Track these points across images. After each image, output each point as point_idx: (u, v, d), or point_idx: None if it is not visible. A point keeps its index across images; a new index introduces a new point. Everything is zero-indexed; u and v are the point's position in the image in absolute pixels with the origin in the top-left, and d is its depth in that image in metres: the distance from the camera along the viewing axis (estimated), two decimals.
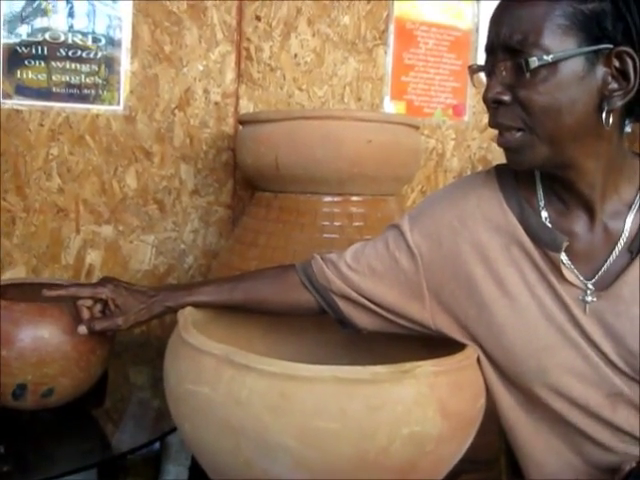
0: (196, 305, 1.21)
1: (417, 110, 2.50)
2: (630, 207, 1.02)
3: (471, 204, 1.11)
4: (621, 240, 1.02)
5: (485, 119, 2.58)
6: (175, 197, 2.19)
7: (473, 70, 1.05)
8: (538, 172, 1.08)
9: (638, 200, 1.02)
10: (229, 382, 0.95)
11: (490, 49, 0.99)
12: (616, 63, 0.93)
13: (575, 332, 1.02)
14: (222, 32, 2.16)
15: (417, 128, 1.88)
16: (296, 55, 2.28)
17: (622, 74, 0.94)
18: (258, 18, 2.21)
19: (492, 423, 1.13)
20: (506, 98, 0.96)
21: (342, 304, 1.17)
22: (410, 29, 2.47)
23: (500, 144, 1.01)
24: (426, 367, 0.97)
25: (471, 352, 1.07)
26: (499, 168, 1.13)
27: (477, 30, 2.59)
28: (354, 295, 1.15)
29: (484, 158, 2.63)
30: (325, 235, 1.68)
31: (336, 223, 1.70)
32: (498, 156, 2.61)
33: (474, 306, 1.09)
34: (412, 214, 1.17)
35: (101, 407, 1.46)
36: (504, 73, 0.96)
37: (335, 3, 2.31)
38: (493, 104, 0.98)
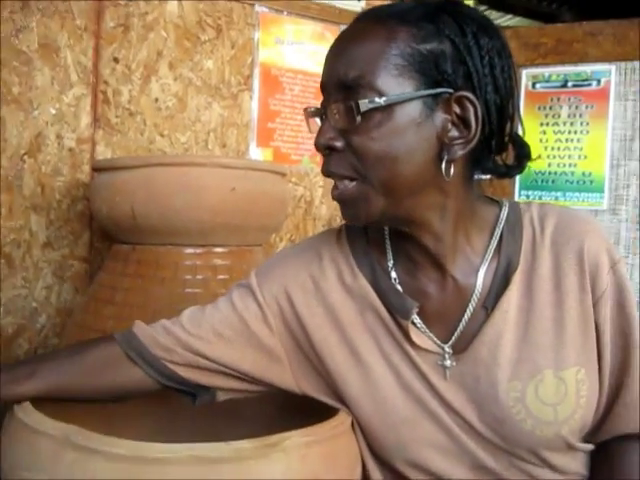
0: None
1: (284, 157, 2.45)
2: (482, 259, 0.97)
3: (324, 265, 1.03)
4: (474, 296, 0.96)
5: None
6: (25, 250, 2.01)
7: (308, 114, 0.97)
8: (388, 230, 1.02)
9: (490, 251, 0.97)
10: (70, 467, 0.82)
11: (324, 88, 0.92)
12: (456, 109, 0.88)
13: (435, 402, 0.96)
14: (77, 74, 2.03)
15: (283, 175, 1.82)
16: (157, 99, 2.18)
17: (463, 121, 0.88)
18: (116, 60, 2.10)
19: None
20: (338, 144, 0.89)
21: (188, 374, 1.02)
22: (275, 75, 2.43)
23: (333, 196, 0.93)
24: (296, 438, 0.87)
25: (344, 417, 0.99)
26: (349, 227, 1.06)
27: None
28: (203, 362, 1.01)
29: None
30: (187, 290, 1.57)
31: (199, 276, 1.59)
32: None
33: (330, 374, 1.01)
34: (260, 271, 1.07)
35: None
36: (337, 116, 0.88)
37: (198, 47, 2.24)
38: (325, 150, 0.90)
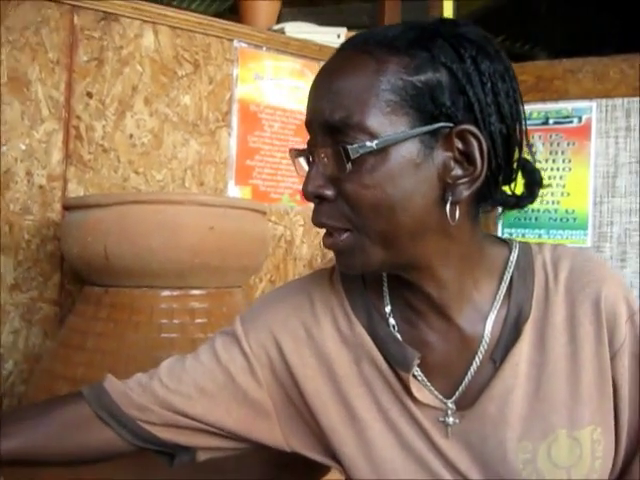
0: None
1: (263, 195, 2.38)
2: (491, 306, 0.88)
3: (316, 310, 0.94)
4: (482, 347, 0.87)
5: None
6: None
7: (294, 154, 0.88)
8: (386, 273, 0.93)
9: (499, 297, 0.88)
10: None
11: (309, 127, 0.83)
12: (459, 145, 0.79)
13: (437, 462, 0.87)
14: (48, 108, 1.96)
15: (264, 214, 1.74)
16: (132, 135, 2.10)
17: (466, 157, 0.79)
18: (90, 95, 2.02)
19: None
20: (328, 193, 0.80)
21: (165, 435, 0.92)
22: (254, 111, 2.37)
23: (327, 246, 0.84)
24: None
25: (337, 477, 0.90)
26: None
27: None
28: (183, 421, 0.92)
29: None
30: (164, 335, 1.47)
31: (176, 321, 1.50)
32: None
33: (323, 431, 0.92)
34: (246, 317, 0.97)
35: None
36: (325, 161, 0.79)
37: (175, 82, 2.17)
38: (315, 199, 0.81)
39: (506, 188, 0.89)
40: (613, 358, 0.86)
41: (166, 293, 1.53)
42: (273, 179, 2.41)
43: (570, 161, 2.76)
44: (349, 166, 0.76)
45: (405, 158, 0.77)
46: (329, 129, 0.79)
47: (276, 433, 0.95)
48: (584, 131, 2.78)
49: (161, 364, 0.96)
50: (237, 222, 1.58)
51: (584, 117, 2.79)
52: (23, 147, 1.93)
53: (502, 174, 0.84)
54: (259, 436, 0.94)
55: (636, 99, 2.83)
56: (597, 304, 0.86)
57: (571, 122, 2.79)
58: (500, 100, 0.81)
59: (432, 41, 0.79)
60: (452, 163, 0.79)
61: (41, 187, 1.96)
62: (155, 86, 2.14)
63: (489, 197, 0.86)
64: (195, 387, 0.92)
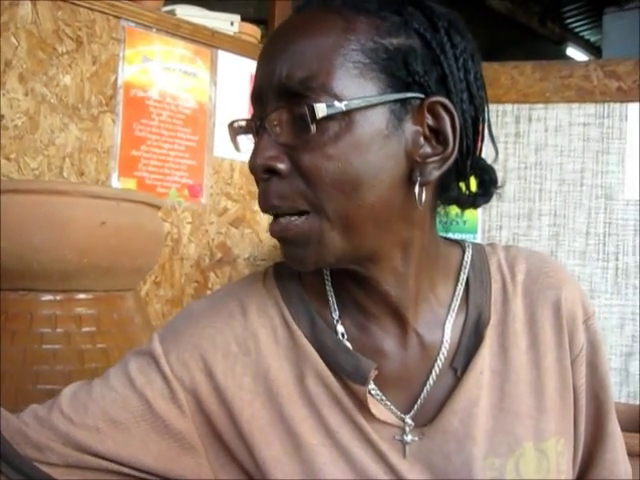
0: None
1: (149, 189, 2.19)
2: (448, 310, 0.80)
3: (250, 321, 0.81)
4: (441, 355, 0.78)
5: (223, 202, 2.34)
6: None
7: (236, 129, 0.77)
8: (328, 272, 0.82)
9: (457, 299, 0.80)
10: None
11: (259, 96, 0.72)
12: (429, 120, 0.71)
13: None
14: None
15: (158, 208, 1.57)
16: (3, 117, 1.86)
17: (436, 134, 0.71)
18: None
19: None
20: (282, 166, 0.69)
21: (69, 477, 0.76)
22: (141, 97, 2.18)
23: (274, 233, 0.72)
24: None
25: None
26: (278, 268, 0.85)
27: (214, 105, 2.37)
28: (90, 460, 0.76)
29: (223, 244, 2.37)
30: (45, 346, 1.28)
31: (59, 329, 1.31)
32: (237, 241, 2.38)
33: (259, 466, 0.77)
34: (165, 335, 0.82)
35: None
36: (278, 130, 0.69)
37: (54, 60, 1.95)
38: (264, 174, 0.70)
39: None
40: (573, 363, 0.82)
41: (48, 297, 1.33)
42: (160, 172, 2.22)
43: None
44: (314, 129, 0.66)
45: (373, 127, 0.69)
46: (286, 92, 0.69)
47: (203, 469, 0.80)
48: None
49: (62, 392, 0.79)
50: (131, 217, 1.40)
51: None
52: None
53: (470, 160, 0.76)
54: (183, 473, 0.79)
55: (526, 106, 2.86)
56: (557, 307, 0.82)
57: None
58: (470, 79, 0.74)
59: (403, 6, 0.72)
60: (422, 140, 0.71)
61: None
62: (32, 62, 1.91)
63: (449, 189, 0.79)
64: (104, 418, 0.76)
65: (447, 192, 0.79)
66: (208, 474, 0.80)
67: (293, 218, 0.70)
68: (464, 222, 2.81)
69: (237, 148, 0.78)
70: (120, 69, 2.11)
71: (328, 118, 0.66)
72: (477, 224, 2.87)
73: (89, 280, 1.36)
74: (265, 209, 0.72)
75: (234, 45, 2.43)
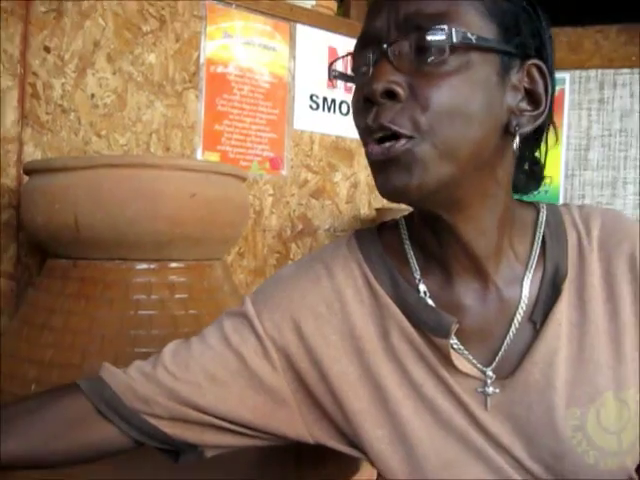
0: None
1: (232, 162, 2.23)
2: (526, 266, 0.83)
3: (337, 283, 0.85)
4: (520, 309, 0.81)
5: (303, 174, 2.38)
6: None
7: (335, 73, 0.82)
8: (406, 232, 0.85)
9: (534, 257, 0.83)
10: None
11: (371, 36, 0.75)
12: (525, 81, 0.76)
13: (480, 438, 0.79)
14: (2, 63, 1.77)
15: (244, 180, 1.62)
16: (93, 95, 1.93)
17: (530, 95, 0.76)
18: (47, 49, 1.84)
19: None
20: (401, 91, 0.71)
21: (172, 430, 0.82)
22: (223, 73, 2.22)
23: (377, 155, 0.73)
24: None
25: (369, 471, 0.81)
26: (359, 234, 0.89)
27: (293, 78, 2.40)
28: (192, 414, 0.81)
29: (304, 216, 2.41)
30: (141, 312, 1.34)
31: (154, 296, 1.36)
32: (318, 213, 2.42)
33: (349, 419, 0.82)
34: (257, 298, 0.87)
35: None
36: (399, 59, 0.72)
37: (139, 39, 2.01)
38: (382, 97, 0.71)
39: None
40: None
41: (143, 266, 1.39)
42: (242, 145, 2.27)
43: None
44: (435, 59, 0.70)
45: (486, 70, 0.73)
46: (411, 26, 0.72)
47: (297, 423, 0.84)
48: (556, 103, 2.73)
49: (163, 349, 0.85)
50: (220, 189, 1.44)
51: (557, 88, 2.74)
52: None
53: (546, 133, 0.83)
54: (279, 427, 0.84)
55: (610, 71, 2.78)
56: (633, 261, 0.83)
57: None
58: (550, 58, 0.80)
59: None
60: (519, 95, 0.76)
61: None
62: (118, 42, 1.97)
63: (525, 160, 0.84)
64: (204, 374, 0.82)
65: (521, 165, 0.84)
66: (302, 429, 0.85)
67: (398, 142, 0.72)
68: (546, 192, 2.77)
69: (333, 83, 0.87)
70: (202, 46, 2.16)
71: (449, 52, 0.70)
72: (559, 193, 2.82)
73: (180, 250, 1.42)
74: (372, 127, 0.73)
75: (312, 18, 2.45)
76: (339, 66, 0.87)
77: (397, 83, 0.71)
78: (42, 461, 0.81)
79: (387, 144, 0.72)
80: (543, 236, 0.84)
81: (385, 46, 0.73)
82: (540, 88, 0.76)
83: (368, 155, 0.75)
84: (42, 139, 1.85)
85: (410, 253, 0.85)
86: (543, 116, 0.77)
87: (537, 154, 0.86)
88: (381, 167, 0.74)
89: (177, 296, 1.39)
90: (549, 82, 0.76)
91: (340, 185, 2.49)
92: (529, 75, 0.76)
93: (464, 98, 0.71)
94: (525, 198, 0.89)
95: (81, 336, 1.31)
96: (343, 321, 0.83)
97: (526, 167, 0.86)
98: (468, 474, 0.79)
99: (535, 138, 0.83)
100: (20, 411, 0.82)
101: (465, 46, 0.71)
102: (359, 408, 0.82)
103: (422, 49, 0.71)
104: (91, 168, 1.36)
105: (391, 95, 0.71)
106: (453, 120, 0.71)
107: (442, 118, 0.71)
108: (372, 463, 0.83)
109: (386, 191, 0.75)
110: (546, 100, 0.76)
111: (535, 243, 0.84)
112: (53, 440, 0.80)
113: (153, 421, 0.81)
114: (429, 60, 0.70)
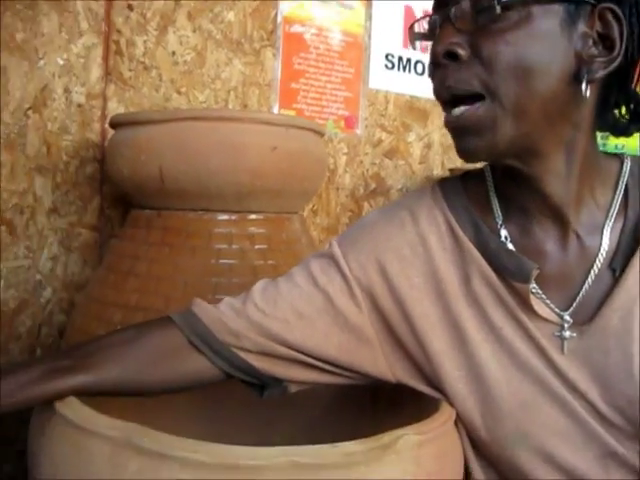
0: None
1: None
2: (607, 215, 0.83)
3: (421, 228, 0.87)
4: (600, 256, 0.82)
5: (378, 133, 2.38)
6: (29, 217, 1.80)
7: (415, 34, 0.84)
8: (491, 180, 0.86)
9: (615, 206, 0.83)
10: (135, 476, 0.65)
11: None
12: (598, 25, 0.75)
13: (556, 381, 0.80)
14: (87, 21, 1.82)
15: (322, 135, 1.63)
16: (174, 53, 1.97)
17: (603, 40, 0.75)
18: (130, 7, 1.89)
19: None
20: (462, 52, 0.74)
21: (261, 364, 0.86)
22: (299, 32, 2.23)
23: (450, 124, 0.78)
24: (409, 437, 0.71)
25: (449, 410, 0.83)
26: (443, 183, 0.91)
27: (369, 37, 2.39)
28: (280, 349, 0.85)
29: (377, 175, 2.42)
30: (222, 261, 1.38)
31: (234, 246, 1.40)
32: (391, 173, 2.42)
33: (430, 359, 0.85)
34: (343, 240, 0.90)
35: None
36: (461, 20, 0.74)
37: None
38: (444, 59, 0.75)
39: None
40: None
41: (224, 217, 1.43)
42: (318, 104, 2.29)
43: None
44: (495, 14, 0.72)
45: (549, 22, 0.73)
46: None
47: (380, 362, 0.87)
48: None
49: (252, 288, 0.89)
50: (300, 143, 1.47)
51: None
52: (61, 62, 1.80)
53: (632, 69, 0.81)
54: (362, 365, 0.87)
55: None
56: None
57: None
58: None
59: None
60: (590, 42, 0.75)
61: (80, 106, 1.84)
62: (198, 0, 2.00)
63: (609, 104, 0.83)
64: (292, 311, 0.85)
65: (605, 114, 0.83)
66: (384, 367, 0.87)
67: (467, 107, 0.75)
68: (622, 147, 2.73)
69: (413, 46, 0.88)
70: (279, 5, 2.17)
71: (510, 7, 0.72)
72: (637, 151, 2.77)
73: (261, 202, 1.45)
74: (441, 91, 0.78)
75: None
76: (417, 27, 0.88)
77: (457, 44, 0.74)
78: (135, 389, 0.85)
79: (457, 111, 0.76)
80: (626, 186, 0.84)
81: (448, 8, 0.75)
82: (615, 33, 0.75)
83: (444, 123, 0.79)
84: (125, 95, 1.90)
85: (494, 200, 0.87)
86: (617, 60, 0.76)
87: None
88: (454, 133, 0.79)
89: (257, 246, 1.43)
90: (624, 25, 0.75)
91: (414, 145, 2.49)
92: (602, 19, 0.75)
93: (525, 53, 0.72)
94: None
95: (164, 282, 1.36)
96: (426, 264, 0.86)
97: (623, 110, 0.85)
98: (543, 416, 0.80)
99: (620, 81, 0.82)
100: (116, 341, 0.87)
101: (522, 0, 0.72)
102: (439, 349, 0.84)
103: (480, 7, 0.72)
104: (175, 121, 1.40)
105: (453, 56, 0.74)
106: (517, 77, 0.73)
107: (505, 75, 0.73)
108: (451, 404, 0.85)
109: (460, 153, 0.79)
110: (621, 44, 0.75)
111: (617, 192, 0.84)
112: (147, 369, 0.84)
113: (242, 354, 0.85)
114: (488, 17, 0.72)
